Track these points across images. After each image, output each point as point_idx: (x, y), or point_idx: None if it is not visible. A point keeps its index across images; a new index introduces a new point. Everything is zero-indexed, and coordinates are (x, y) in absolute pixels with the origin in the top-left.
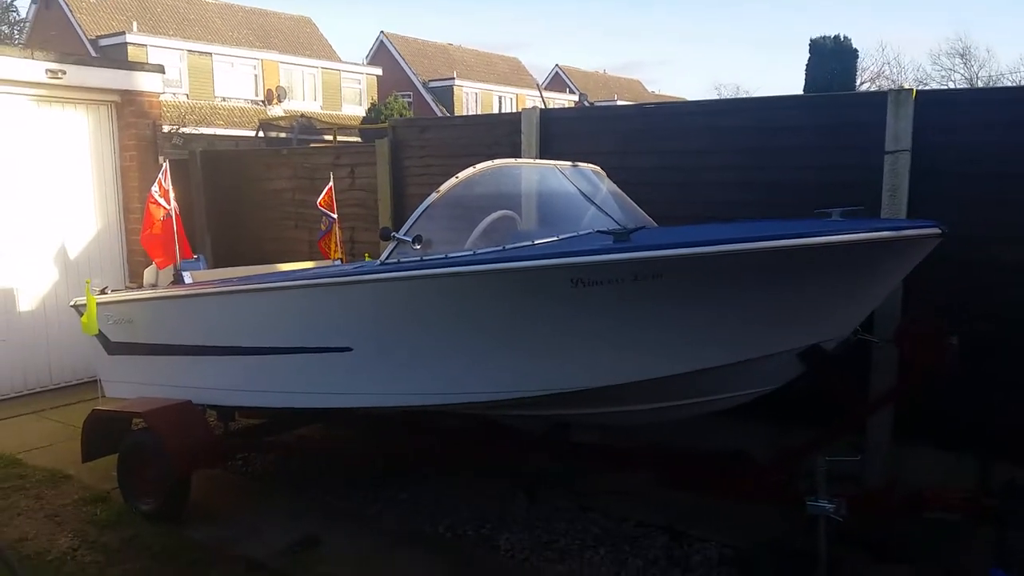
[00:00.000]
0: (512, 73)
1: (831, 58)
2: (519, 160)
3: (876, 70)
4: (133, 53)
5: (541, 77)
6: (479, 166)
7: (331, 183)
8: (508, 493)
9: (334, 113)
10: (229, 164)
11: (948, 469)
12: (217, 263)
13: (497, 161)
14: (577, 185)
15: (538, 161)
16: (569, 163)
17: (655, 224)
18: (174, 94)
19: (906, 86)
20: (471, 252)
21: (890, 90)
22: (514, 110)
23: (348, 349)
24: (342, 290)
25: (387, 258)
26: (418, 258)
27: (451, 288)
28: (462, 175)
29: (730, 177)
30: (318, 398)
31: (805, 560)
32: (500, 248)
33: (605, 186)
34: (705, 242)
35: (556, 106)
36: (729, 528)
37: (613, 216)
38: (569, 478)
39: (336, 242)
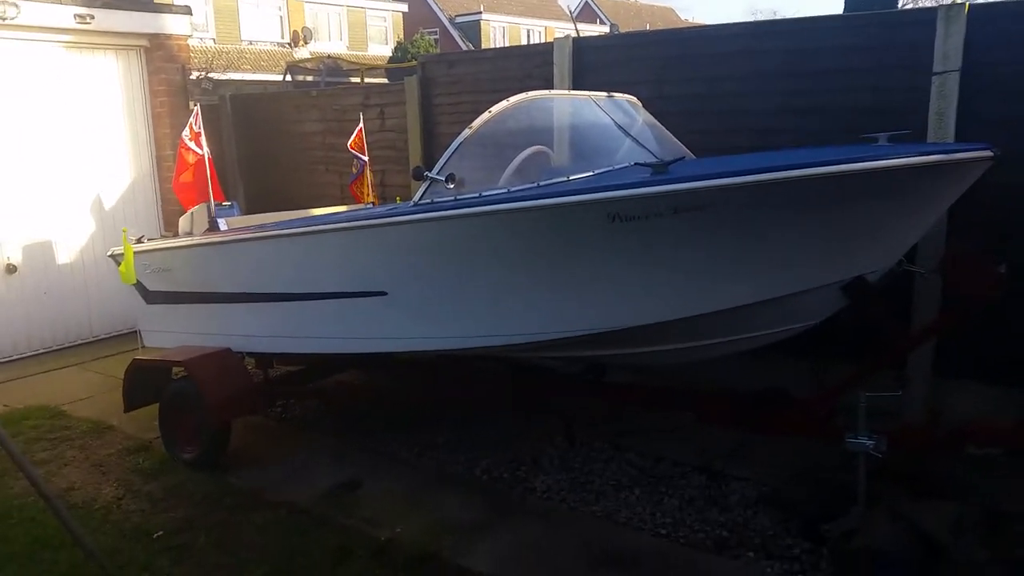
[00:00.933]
0: (541, 5)
1: None
2: (553, 92)
3: None
4: None
5: (571, 7)
6: (512, 99)
7: (361, 124)
8: (544, 435)
9: (360, 53)
10: (259, 108)
11: (992, 404)
12: (250, 209)
13: (531, 93)
14: (613, 117)
15: (573, 92)
16: (604, 94)
17: (693, 156)
18: (201, 39)
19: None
20: (505, 190)
21: (940, 6)
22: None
23: (383, 293)
24: (375, 233)
25: (420, 199)
26: (452, 198)
27: (486, 227)
28: (495, 109)
29: (771, 103)
30: (354, 343)
31: (843, 496)
32: (535, 185)
33: (641, 117)
34: (746, 171)
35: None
36: (766, 466)
37: (650, 149)
38: (605, 419)
39: (368, 185)
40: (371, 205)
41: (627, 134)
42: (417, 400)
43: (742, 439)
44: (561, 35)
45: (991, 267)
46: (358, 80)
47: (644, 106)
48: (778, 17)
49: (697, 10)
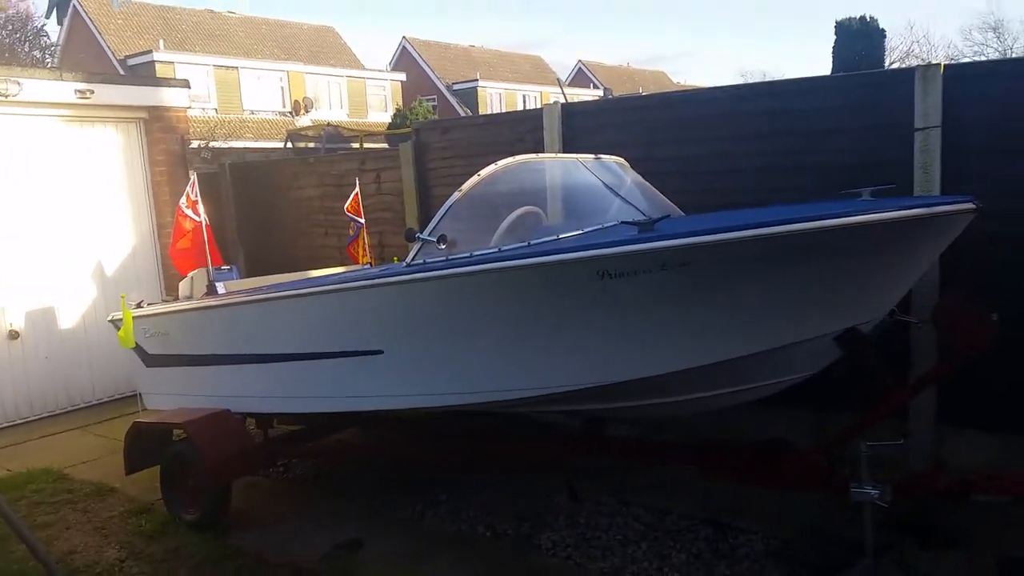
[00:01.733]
0: (535, 71)
1: (858, 39)
2: (541, 155)
3: (905, 49)
4: (161, 70)
5: (564, 74)
6: (500, 163)
7: (357, 188)
8: (547, 491)
9: (360, 120)
10: (258, 175)
11: (994, 452)
12: (250, 273)
13: (519, 157)
14: (601, 177)
15: (560, 155)
16: (592, 156)
17: (682, 213)
18: (203, 109)
19: (934, 62)
20: (496, 249)
21: (917, 66)
22: None
23: (379, 352)
24: (369, 293)
25: (413, 259)
26: (444, 258)
27: (477, 286)
28: (484, 172)
29: (755, 163)
30: (352, 402)
31: (851, 548)
32: (525, 244)
33: (630, 177)
34: (729, 228)
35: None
36: (773, 519)
37: (639, 207)
38: (609, 473)
39: (364, 247)
40: (368, 266)
41: (616, 194)
42: (418, 458)
43: (748, 491)
44: (555, 99)
45: (983, 316)
46: (358, 146)
47: (633, 167)
48: (767, 79)
49: (689, 73)
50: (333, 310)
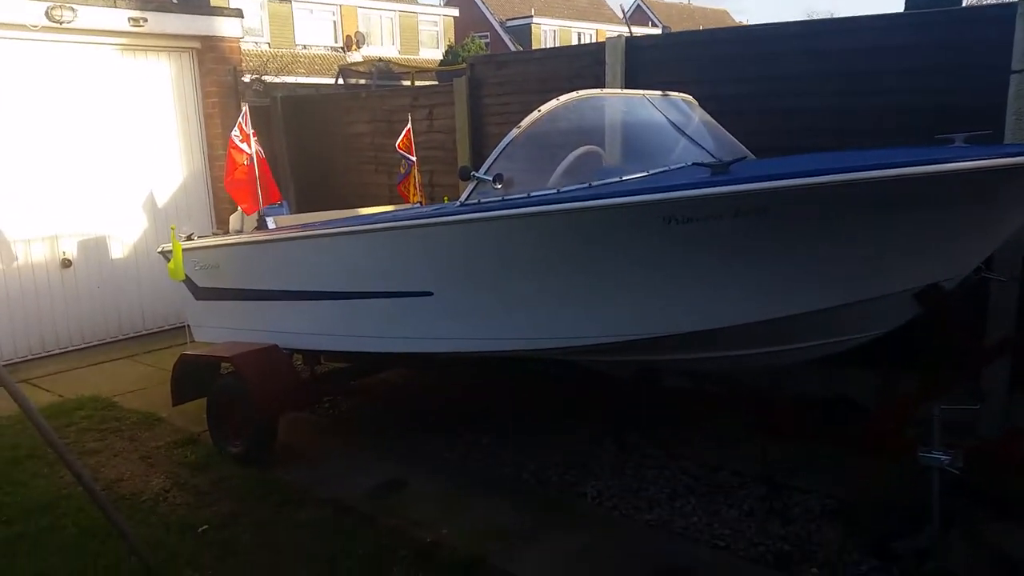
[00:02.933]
0: (592, 8)
1: None
2: (605, 91)
3: None
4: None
5: (624, 9)
6: (563, 98)
7: (409, 125)
8: (595, 440)
9: (412, 57)
10: (309, 109)
11: None
12: (300, 208)
13: (582, 92)
14: (668, 116)
15: (625, 91)
16: (659, 93)
17: (753, 156)
18: (256, 43)
19: None
20: (555, 190)
21: (1020, 1)
22: None
23: (429, 294)
24: (420, 233)
25: (467, 199)
26: (499, 198)
27: (534, 229)
28: (545, 108)
29: (833, 104)
30: (400, 343)
31: (916, 515)
32: (586, 185)
33: (698, 116)
34: (815, 172)
35: None
36: (831, 479)
37: (708, 148)
38: (659, 426)
39: (415, 185)
40: (419, 205)
41: (683, 133)
42: (465, 401)
43: (805, 449)
44: (612, 37)
45: None
46: (409, 83)
47: (701, 106)
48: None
49: (752, 12)
50: (383, 249)
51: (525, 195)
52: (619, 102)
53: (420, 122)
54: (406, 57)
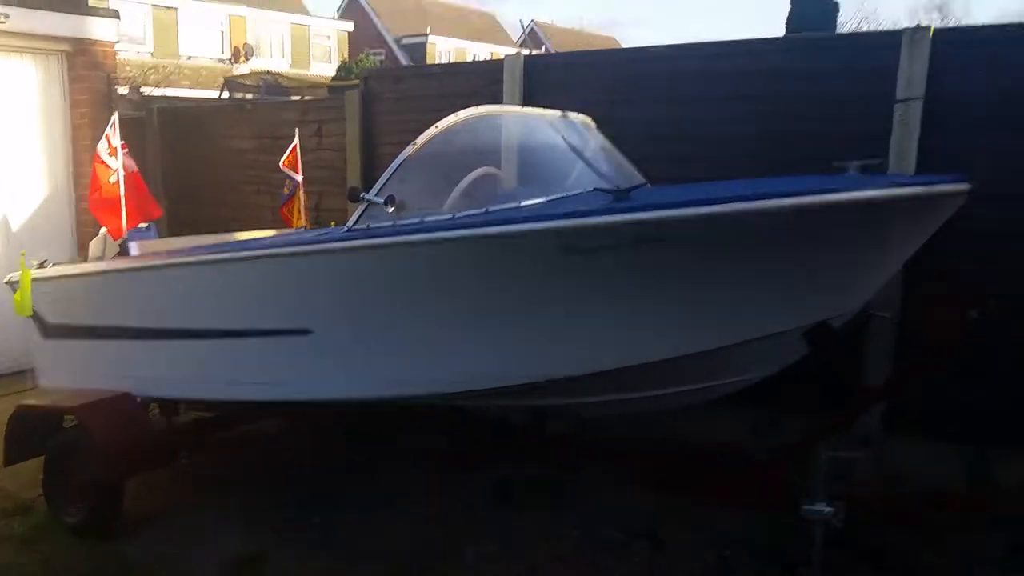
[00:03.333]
0: (487, 29)
1: (812, 7)
2: (504, 108)
3: (855, 24)
4: (95, 1)
5: (516, 34)
6: (461, 114)
7: (296, 141)
8: (476, 497)
9: (303, 72)
10: (188, 122)
11: (937, 459)
12: (172, 232)
13: (480, 109)
14: (567, 138)
15: (525, 110)
16: (558, 113)
17: (648, 184)
18: (138, 52)
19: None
20: (450, 215)
21: (905, 29)
22: None
23: (307, 332)
24: (300, 261)
25: (355, 223)
26: (390, 223)
27: (427, 257)
28: (442, 124)
29: (728, 130)
30: (272, 389)
31: (796, 566)
32: (483, 211)
33: (596, 140)
34: (722, 200)
35: None
36: (716, 532)
37: (605, 174)
38: (546, 476)
39: (300, 208)
40: (302, 230)
41: (582, 157)
42: (336, 452)
43: (693, 500)
44: (511, 55)
45: (963, 313)
46: (299, 98)
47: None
48: None
49: (642, 41)
50: (258, 280)
51: (418, 220)
52: (519, 121)
53: (309, 139)
54: (297, 71)
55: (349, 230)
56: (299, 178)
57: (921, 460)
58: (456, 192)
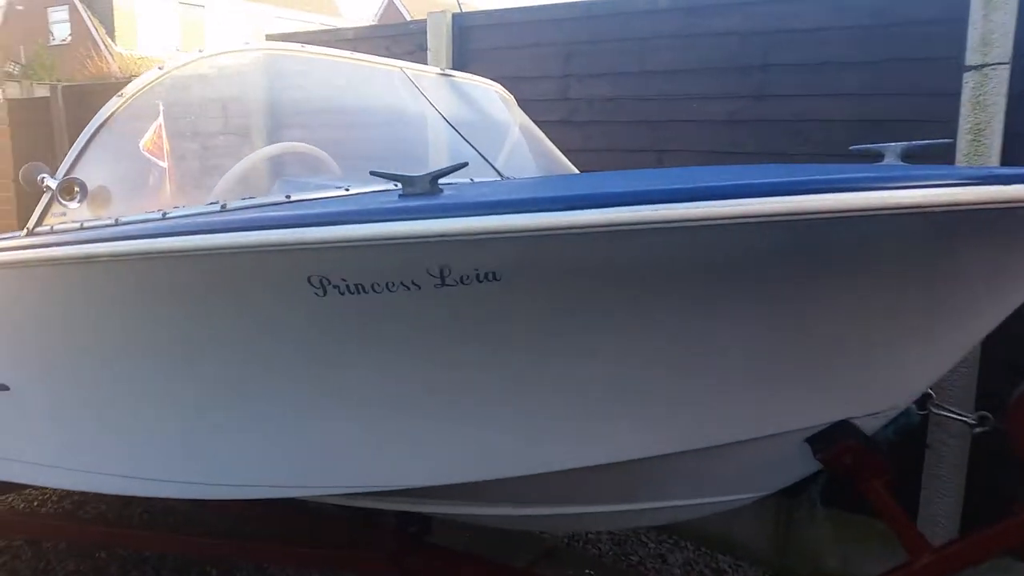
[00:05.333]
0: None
1: None
2: (309, 48)
3: None
4: None
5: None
6: (216, 53)
7: None
8: None
9: None
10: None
11: None
12: None
13: (268, 45)
14: (437, 107)
15: (365, 57)
16: (435, 70)
17: (576, 171)
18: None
19: None
20: (113, 221)
21: None
22: None
23: (4, 388)
24: None
25: (37, 224)
26: (78, 224)
27: (97, 279)
28: (170, 67)
29: (714, 110)
30: None
31: None
32: (159, 214)
33: (505, 117)
34: (592, 199)
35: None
36: None
37: (491, 160)
38: None
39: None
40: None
41: (459, 134)
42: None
43: None
44: (436, 12)
45: None
46: None
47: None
48: None
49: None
50: None
51: (113, 221)
52: (331, 72)
53: None
54: None
55: (29, 232)
56: None
57: None
58: (233, 174)
